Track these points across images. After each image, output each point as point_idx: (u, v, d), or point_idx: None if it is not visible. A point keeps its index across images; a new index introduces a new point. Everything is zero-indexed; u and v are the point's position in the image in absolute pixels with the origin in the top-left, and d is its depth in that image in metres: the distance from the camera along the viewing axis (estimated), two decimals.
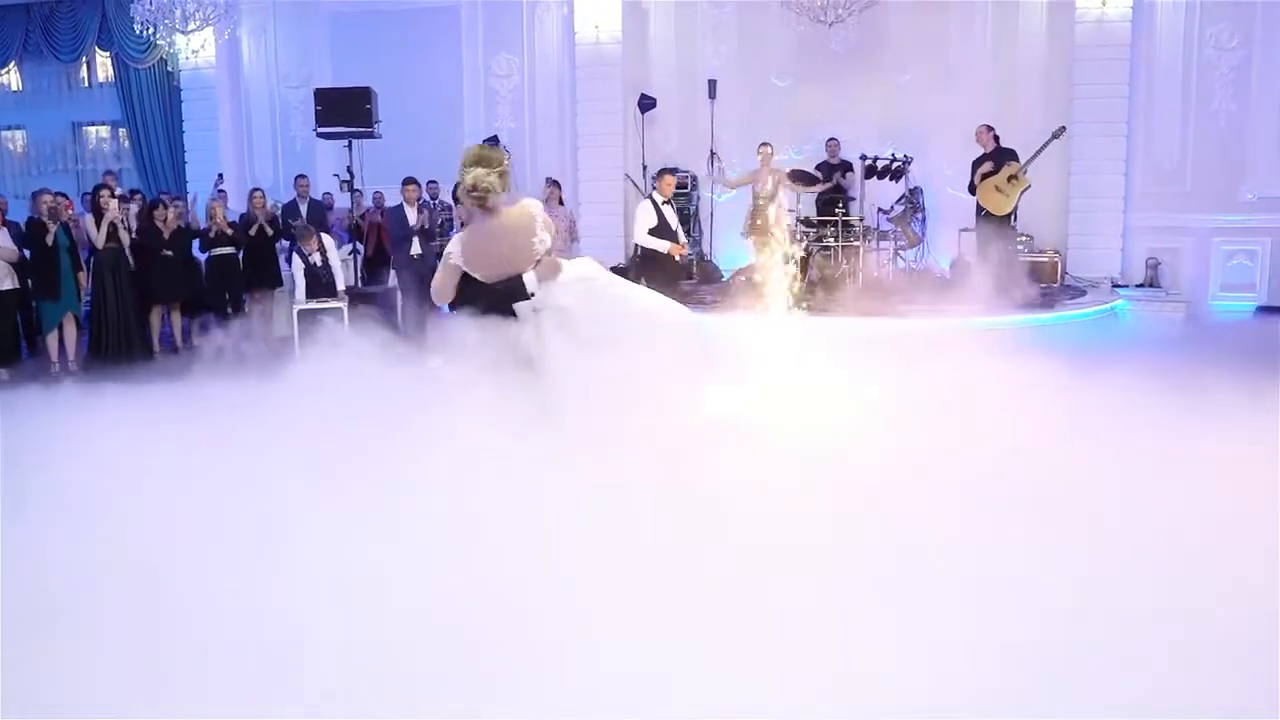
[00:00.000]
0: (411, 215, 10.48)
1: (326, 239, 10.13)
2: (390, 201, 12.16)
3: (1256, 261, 11.68)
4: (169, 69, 14.29)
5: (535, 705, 2.71)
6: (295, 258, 9.85)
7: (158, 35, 12.60)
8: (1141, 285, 11.69)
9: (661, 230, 8.96)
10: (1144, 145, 11.87)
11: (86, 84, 15.35)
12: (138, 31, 12.54)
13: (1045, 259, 11.77)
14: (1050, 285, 11.52)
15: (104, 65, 15.03)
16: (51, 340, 9.52)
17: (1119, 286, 11.64)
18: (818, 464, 4.36)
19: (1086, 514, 3.37)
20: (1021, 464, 3.70)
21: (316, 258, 9.78)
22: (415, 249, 10.44)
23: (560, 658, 2.84)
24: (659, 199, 9.06)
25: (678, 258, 9.14)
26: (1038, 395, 4.19)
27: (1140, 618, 2.90)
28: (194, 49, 12.86)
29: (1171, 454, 3.68)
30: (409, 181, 10.61)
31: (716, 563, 3.30)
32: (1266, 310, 11.46)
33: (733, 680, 2.74)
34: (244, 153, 14.44)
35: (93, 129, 15.49)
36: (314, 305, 9.57)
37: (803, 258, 10.46)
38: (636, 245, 9.23)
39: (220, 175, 13.38)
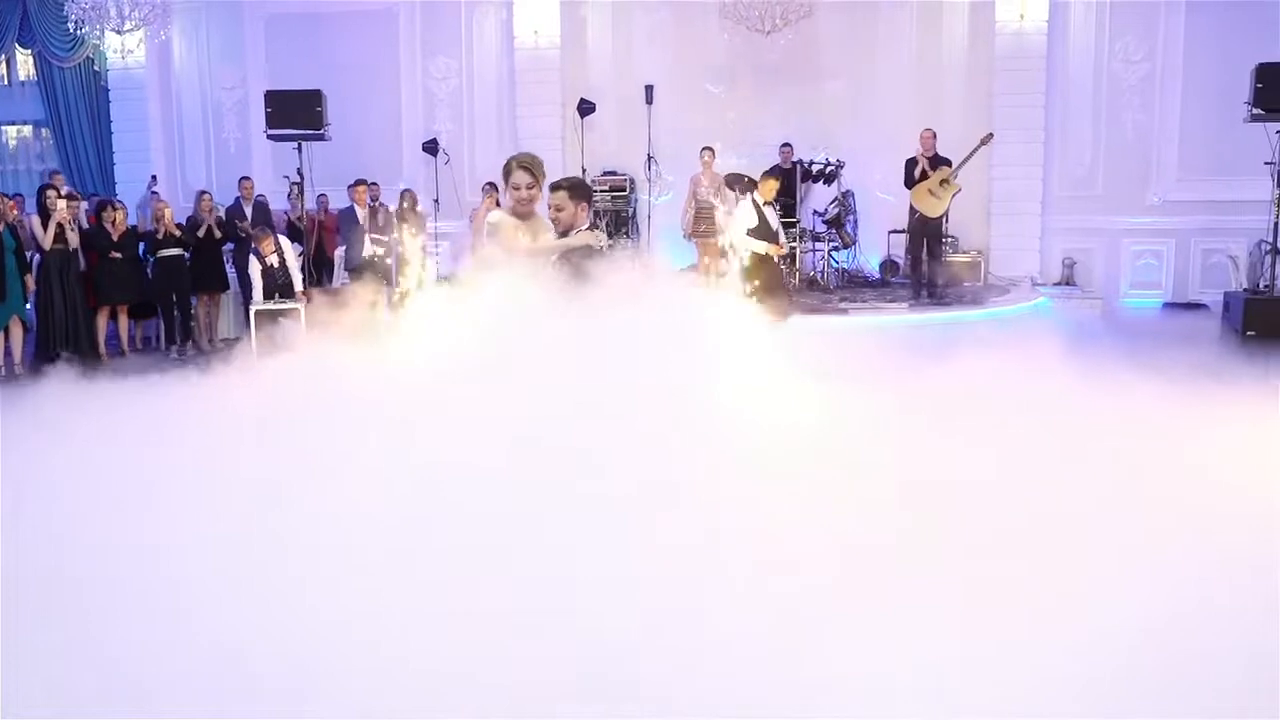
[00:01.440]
0: (362, 216, 10.60)
1: (284, 240, 10.17)
2: (334, 204, 12.23)
3: (1162, 261, 12.49)
4: (96, 68, 14.02)
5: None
6: (252, 259, 9.86)
7: (92, 34, 12.37)
8: (1059, 283, 12.39)
9: (762, 231, 9.01)
10: (1059, 152, 12.58)
11: (6, 82, 14.95)
12: (71, 30, 12.32)
13: (969, 259, 12.42)
14: (975, 284, 12.17)
15: (24, 63, 14.66)
16: None
17: (1038, 285, 12.30)
18: (804, 466, 4.58)
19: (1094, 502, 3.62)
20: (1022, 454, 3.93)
21: (274, 259, 9.81)
22: (368, 249, 10.56)
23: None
24: (759, 200, 9.15)
25: (776, 258, 9.20)
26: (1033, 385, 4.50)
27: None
28: (128, 49, 12.65)
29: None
30: (359, 183, 10.72)
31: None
32: (1171, 305, 12.26)
33: (732, 680, 2.76)
34: (175, 155, 14.26)
35: (13, 129, 15.09)
36: (271, 306, 9.61)
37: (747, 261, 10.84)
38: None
39: (154, 177, 13.19)
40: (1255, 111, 9.55)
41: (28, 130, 15.02)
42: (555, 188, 4.94)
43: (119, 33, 11.97)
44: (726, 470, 3.97)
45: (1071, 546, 3.35)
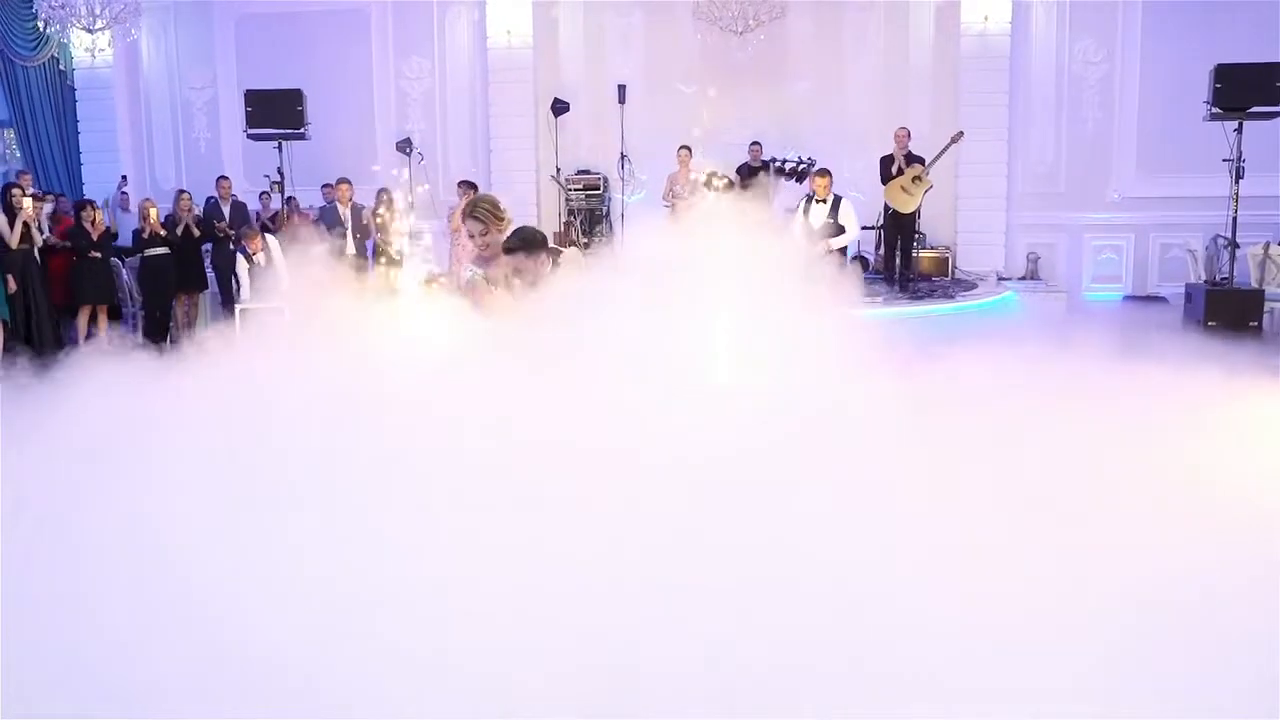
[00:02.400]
0: (345, 215, 10.64)
1: (270, 239, 10.18)
2: (305, 203, 12.24)
3: (1122, 255, 12.89)
4: (61, 67, 13.87)
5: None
6: (239, 258, 9.87)
7: (61, 32, 12.27)
8: (1023, 278, 12.73)
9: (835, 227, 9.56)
10: (1023, 149, 12.94)
11: None
12: (40, 28, 12.21)
13: (937, 254, 12.74)
14: (943, 279, 12.48)
15: None
16: None
17: (1003, 279, 12.64)
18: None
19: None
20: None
21: (261, 257, 9.83)
22: (350, 248, 10.60)
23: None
24: (816, 196, 9.73)
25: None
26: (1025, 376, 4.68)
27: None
28: (99, 47, 12.56)
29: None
30: (342, 181, 10.76)
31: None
32: (1131, 299, 12.67)
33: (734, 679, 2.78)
34: (144, 155, 14.17)
35: None
36: (257, 304, 9.61)
37: None
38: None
39: (124, 177, 13.12)
40: (1214, 110, 9.90)
41: None
42: (508, 250, 4.73)
43: (90, 31, 11.86)
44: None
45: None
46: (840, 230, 9.74)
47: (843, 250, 10.00)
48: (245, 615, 3.12)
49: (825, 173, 10.18)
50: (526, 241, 4.70)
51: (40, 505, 4.15)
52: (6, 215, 9.57)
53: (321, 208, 11.45)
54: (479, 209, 4.77)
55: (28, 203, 9.55)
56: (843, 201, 9.88)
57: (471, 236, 4.75)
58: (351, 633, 3.01)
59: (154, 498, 3.96)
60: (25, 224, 9.50)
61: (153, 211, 10.47)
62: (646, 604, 3.04)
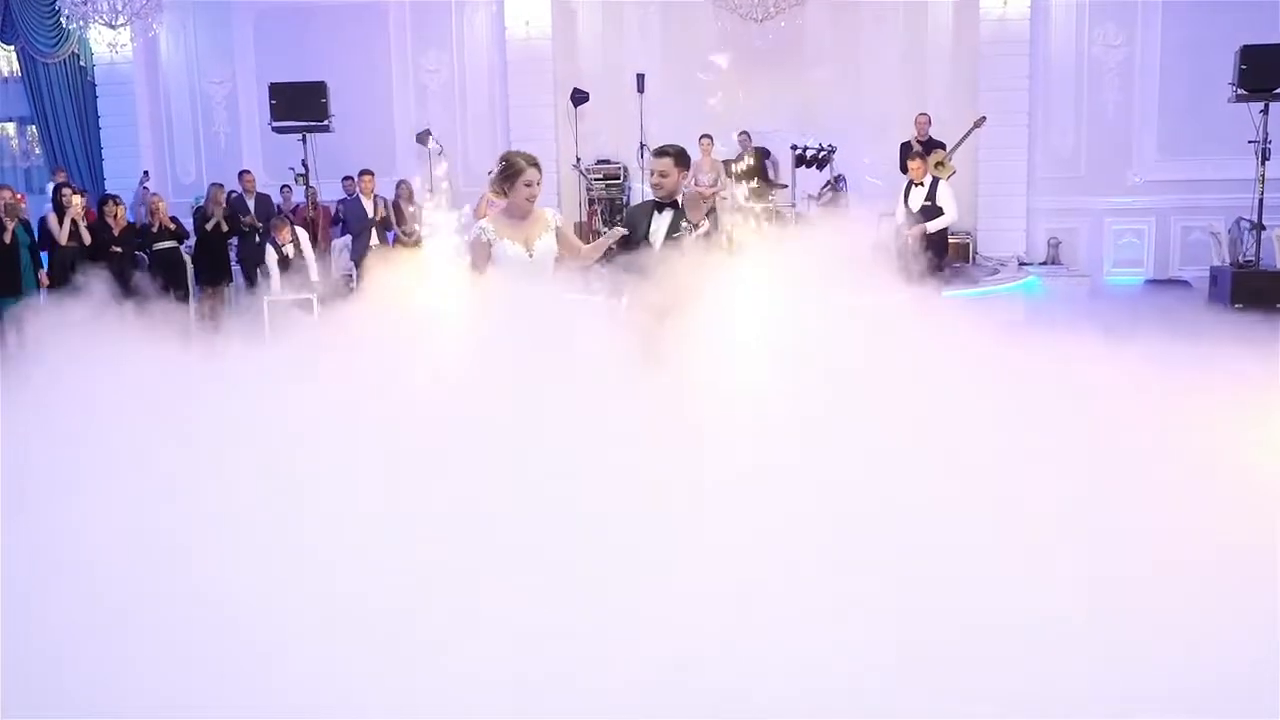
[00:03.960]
0: (369, 206, 10.69)
1: (300, 231, 10.23)
2: (325, 196, 12.28)
3: (1143, 239, 12.88)
4: (81, 63, 13.94)
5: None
6: (269, 249, 9.91)
7: (85, 28, 12.32)
8: (1044, 263, 12.74)
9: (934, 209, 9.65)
10: (1043, 134, 12.92)
11: None
12: (62, 23, 12.27)
13: (958, 240, 12.72)
14: (964, 264, 12.49)
15: (7, 59, 14.53)
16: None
17: (1024, 264, 12.64)
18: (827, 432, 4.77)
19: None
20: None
21: (290, 249, 9.88)
22: (374, 240, 10.66)
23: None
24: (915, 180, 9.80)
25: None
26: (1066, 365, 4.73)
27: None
28: (121, 43, 12.61)
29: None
30: (365, 173, 10.81)
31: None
32: (1153, 283, 12.66)
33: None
34: (165, 150, 14.23)
35: None
36: (286, 296, 9.67)
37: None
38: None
39: (146, 173, 13.17)
40: (1240, 92, 9.90)
41: (11, 127, 14.89)
42: (661, 153, 5.18)
43: (112, 26, 11.91)
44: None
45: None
46: (939, 212, 9.70)
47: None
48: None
49: (920, 156, 10.05)
50: (681, 153, 5.22)
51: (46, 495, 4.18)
52: (56, 214, 9.66)
53: (344, 200, 11.50)
54: (534, 157, 4.91)
55: (77, 199, 9.65)
56: (940, 184, 9.77)
57: (530, 185, 4.81)
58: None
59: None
60: (74, 221, 9.59)
61: (161, 206, 10.54)
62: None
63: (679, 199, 5.22)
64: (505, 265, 4.81)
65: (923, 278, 9.14)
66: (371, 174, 10.93)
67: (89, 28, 12.44)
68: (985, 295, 10.64)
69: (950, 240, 12.57)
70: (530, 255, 4.80)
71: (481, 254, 4.86)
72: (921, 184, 9.69)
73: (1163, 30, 12.54)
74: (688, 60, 13.60)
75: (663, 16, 13.68)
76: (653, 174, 5.24)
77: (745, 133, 12.67)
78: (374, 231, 10.66)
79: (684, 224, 5.14)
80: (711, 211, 5.31)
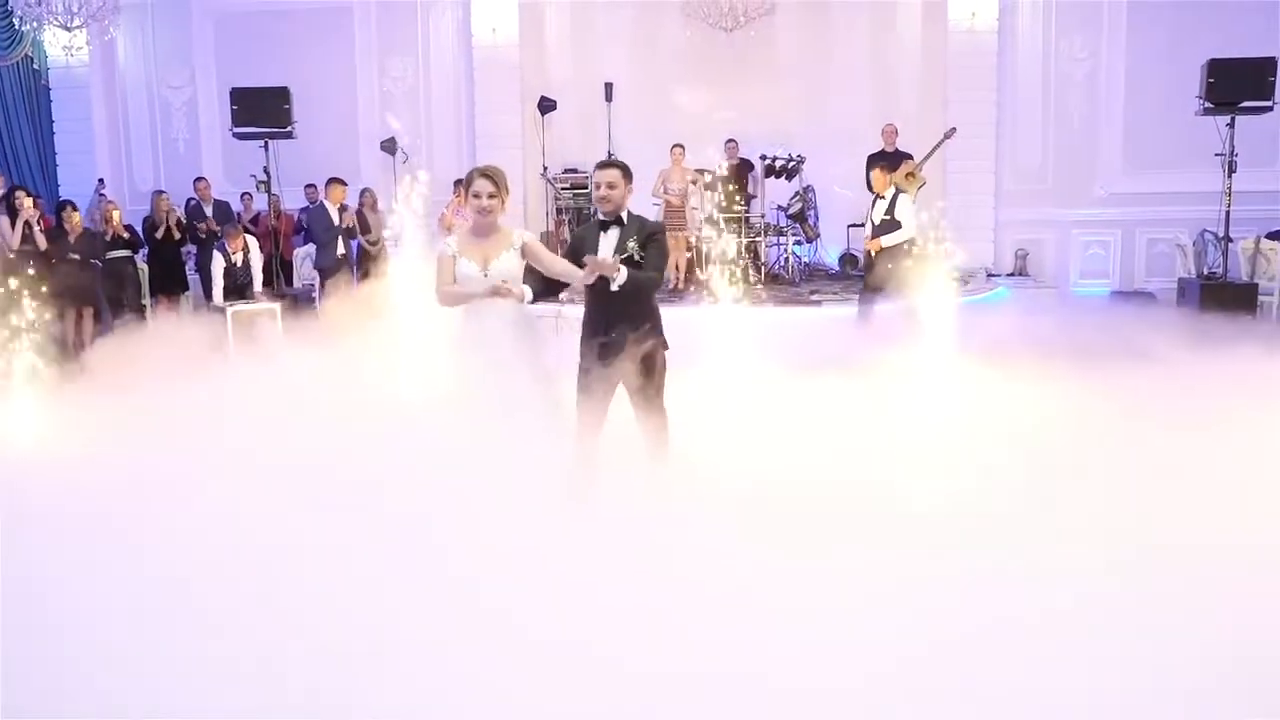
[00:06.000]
0: (335, 215, 10.49)
1: (250, 240, 10.00)
2: (287, 204, 12.05)
3: (1109, 251, 12.95)
4: (35, 66, 13.59)
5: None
6: (216, 255, 9.67)
7: (39, 30, 12.01)
8: (1012, 274, 12.76)
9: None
10: (1010, 146, 12.95)
11: None
12: (16, 26, 11.95)
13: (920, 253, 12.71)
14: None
15: None
16: None
17: (992, 275, 12.66)
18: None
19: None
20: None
21: (238, 257, 9.65)
22: (340, 249, 10.46)
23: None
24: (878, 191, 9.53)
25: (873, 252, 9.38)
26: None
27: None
28: (76, 46, 12.29)
29: None
30: (334, 181, 10.61)
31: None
32: (1119, 294, 12.72)
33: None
34: (122, 155, 13.91)
35: None
36: (250, 307, 9.44)
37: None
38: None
39: (101, 180, 12.85)
40: (1207, 105, 9.95)
41: None
42: (607, 164, 4.90)
43: (67, 29, 11.62)
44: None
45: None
46: (896, 226, 9.51)
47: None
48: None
49: (883, 168, 9.75)
50: (627, 167, 4.90)
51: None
52: (10, 217, 9.40)
53: (308, 209, 11.29)
54: (497, 172, 4.69)
55: (29, 202, 9.40)
56: (901, 197, 9.43)
57: (477, 196, 4.57)
58: None
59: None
60: (29, 225, 9.34)
61: (115, 214, 10.30)
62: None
63: (623, 215, 4.82)
64: (462, 284, 4.63)
65: (879, 292, 9.13)
66: (343, 183, 10.73)
67: (43, 30, 12.12)
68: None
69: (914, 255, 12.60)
70: (485, 274, 4.54)
71: (445, 271, 4.63)
72: (883, 197, 9.55)
73: (1128, 43, 12.64)
74: (657, 69, 13.54)
75: (632, 25, 13.59)
76: (598, 187, 4.83)
77: (733, 141, 12.59)
78: (341, 240, 10.44)
79: (630, 244, 4.71)
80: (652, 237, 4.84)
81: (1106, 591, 3.29)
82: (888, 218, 9.31)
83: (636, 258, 4.69)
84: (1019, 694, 2.81)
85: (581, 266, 4.62)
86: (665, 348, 4.85)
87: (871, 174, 9.78)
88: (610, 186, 4.78)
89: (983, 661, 2.93)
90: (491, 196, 4.59)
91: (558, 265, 4.72)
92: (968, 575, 3.40)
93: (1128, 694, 2.80)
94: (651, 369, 4.77)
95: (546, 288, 4.79)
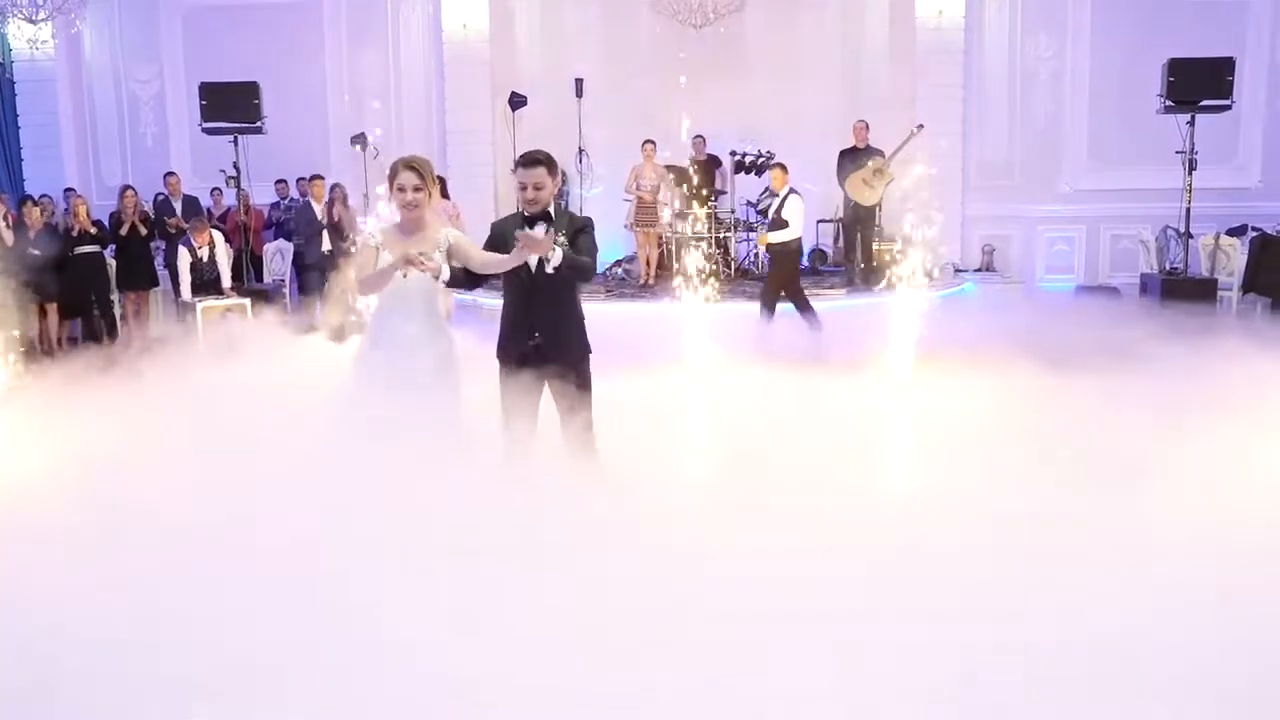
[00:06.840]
0: (319, 211, 10.52)
1: (217, 235, 9.98)
2: (257, 199, 12.01)
3: (1074, 246, 13.14)
4: None
5: None
6: (182, 250, 9.64)
7: (3, 23, 11.90)
8: (979, 269, 12.91)
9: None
10: (977, 143, 13.11)
11: None
12: None
13: (893, 247, 12.84)
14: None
15: None
16: None
17: (959, 271, 12.80)
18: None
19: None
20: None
21: (204, 252, 9.63)
22: (325, 245, 10.49)
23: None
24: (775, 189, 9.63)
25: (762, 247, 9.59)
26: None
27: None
28: (42, 39, 12.18)
29: None
30: (315, 178, 10.64)
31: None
32: (1084, 289, 12.90)
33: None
34: (89, 150, 13.81)
35: None
36: (222, 302, 9.42)
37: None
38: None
39: (69, 189, 12.76)
40: (1167, 103, 10.11)
41: None
42: (533, 161, 4.42)
43: (32, 21, 11.52)
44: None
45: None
46: (783, 225, 9.57)
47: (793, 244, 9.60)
48: None
49: (780, 166, 9.87)
50: (551, 160, 4.45)
51: None
52: None
53: (293, 204, 11.29)
54: (422, 163, 4.38)
55: None
56: (790, 197, 9.47)
57: (402, 190, 4.30)
58: None
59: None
60: None
61: (82, 209, 10.24)
62: None
63: (550, 210, 4.46)
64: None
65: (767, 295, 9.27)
66: (323, 179, 10.74)
67: (7, 22, 12.02)
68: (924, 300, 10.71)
69: (885, 247, 12.71)
70: (404, 275, 4.20)
71: (367, 260, 4.32)
72: (777, 194, 9.65)
73: (1092, 43, 12.82)
74: (627, 65, 13.57)
75: (603, 20, 13.62)
76: (525, 187, 4.40)
77: (700, 136, 12.64)
78: (325, 236, 10.47)
79: (560, 238, 4.34)
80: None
81: (1106, 591, 3.34)
82: (776, 215, 9.47)
83: (566, 251, 4.35)
84: (1019, 694, 2.86)
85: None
86: (589, 351, 4.64)
87: (770, 171, 9.94)
88: (537, 188, 4.40)
89: (982, 661, 2.97)
90: (417, 189, 4.31)
91: (486, 257, 4.41)
92: (968, 575, 3.42)
93: (1127, 695, 2.86)
94: (584, 385, 4.58)
95: (471, 280, 4.56)
